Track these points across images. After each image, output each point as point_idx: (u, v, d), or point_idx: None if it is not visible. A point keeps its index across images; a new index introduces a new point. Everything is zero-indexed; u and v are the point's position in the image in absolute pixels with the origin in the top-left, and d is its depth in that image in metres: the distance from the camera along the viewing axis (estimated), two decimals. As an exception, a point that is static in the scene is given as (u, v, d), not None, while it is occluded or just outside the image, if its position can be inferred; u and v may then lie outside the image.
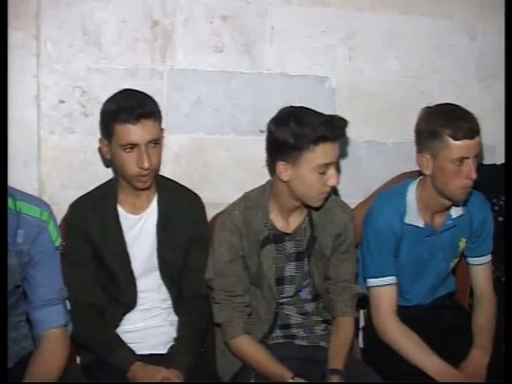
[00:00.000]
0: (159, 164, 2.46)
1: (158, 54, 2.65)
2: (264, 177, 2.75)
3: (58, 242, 2.21)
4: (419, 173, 2.76)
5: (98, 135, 2.57)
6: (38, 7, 2.51)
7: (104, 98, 2.57)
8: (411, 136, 2.95)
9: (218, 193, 2.74)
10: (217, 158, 2.78)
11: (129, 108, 2.29)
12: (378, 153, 2.94)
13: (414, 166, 2.87)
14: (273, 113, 2.71)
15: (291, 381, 2.25)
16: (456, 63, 2.82)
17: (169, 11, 2.63)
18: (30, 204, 2.15)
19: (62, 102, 2.61)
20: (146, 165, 2.30)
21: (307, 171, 2.28)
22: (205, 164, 2.78)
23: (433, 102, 2.92)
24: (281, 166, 2.32)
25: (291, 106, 2.38)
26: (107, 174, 2.63)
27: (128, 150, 2.31)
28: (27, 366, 2.12)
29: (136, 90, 2.42)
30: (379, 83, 2.89)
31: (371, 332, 2.56)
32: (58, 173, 2.65)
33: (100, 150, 2.47)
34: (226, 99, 2.75)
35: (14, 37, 2.49)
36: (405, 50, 2.91)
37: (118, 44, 2.62)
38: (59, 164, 2.65)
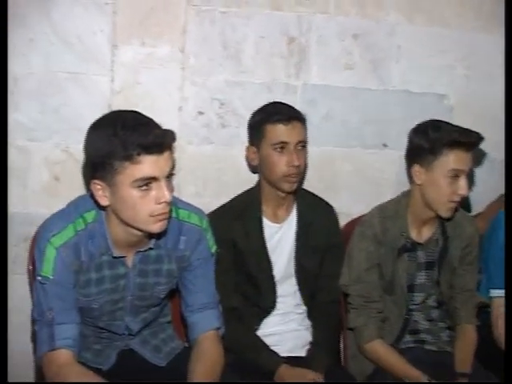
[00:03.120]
0: (306, 168, 2.61)
1: (292, 70, 2.75)
2: (384, 188, 2.90)
3: (214, 248, 2.28)
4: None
5: (234, 146, 2.74)
6: (185, 23, 2.62)
7: (240, 111, 2.73)
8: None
9: (340, 202, 2.82)
10: (343, 169, 2.89)
11: (280, 111, 2.48)
12: (488, 168, 3.04)
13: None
14: (395, 128, 2.87)
15: (427, 381, 2.36)
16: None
17: (304, 29, 2.73)
18: (191, 212, 2.21)
19: (200, 113, 2.71)
20: (296, 163, 2.44)
21: (440, 175, 2.42)
22: (331, 175, 2.88)
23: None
24: (416, 169, 2.48)
25: (432, 119, 2.52)
26: (240, 182, 2.71)
27: (278, 149, 2.45)
28: (182, 364, 2.21)
29: (282, 102, 2.58)
30: (491, 100, 2.98)
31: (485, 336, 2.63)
32: (193, 181, 2.75)
33: (247, 157, 2.60)
34: (353, 114, 2.85)
35: (162, 50, 2.62)
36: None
37: (256, 59, 2.72)
38: (195, 173, 2.75)
